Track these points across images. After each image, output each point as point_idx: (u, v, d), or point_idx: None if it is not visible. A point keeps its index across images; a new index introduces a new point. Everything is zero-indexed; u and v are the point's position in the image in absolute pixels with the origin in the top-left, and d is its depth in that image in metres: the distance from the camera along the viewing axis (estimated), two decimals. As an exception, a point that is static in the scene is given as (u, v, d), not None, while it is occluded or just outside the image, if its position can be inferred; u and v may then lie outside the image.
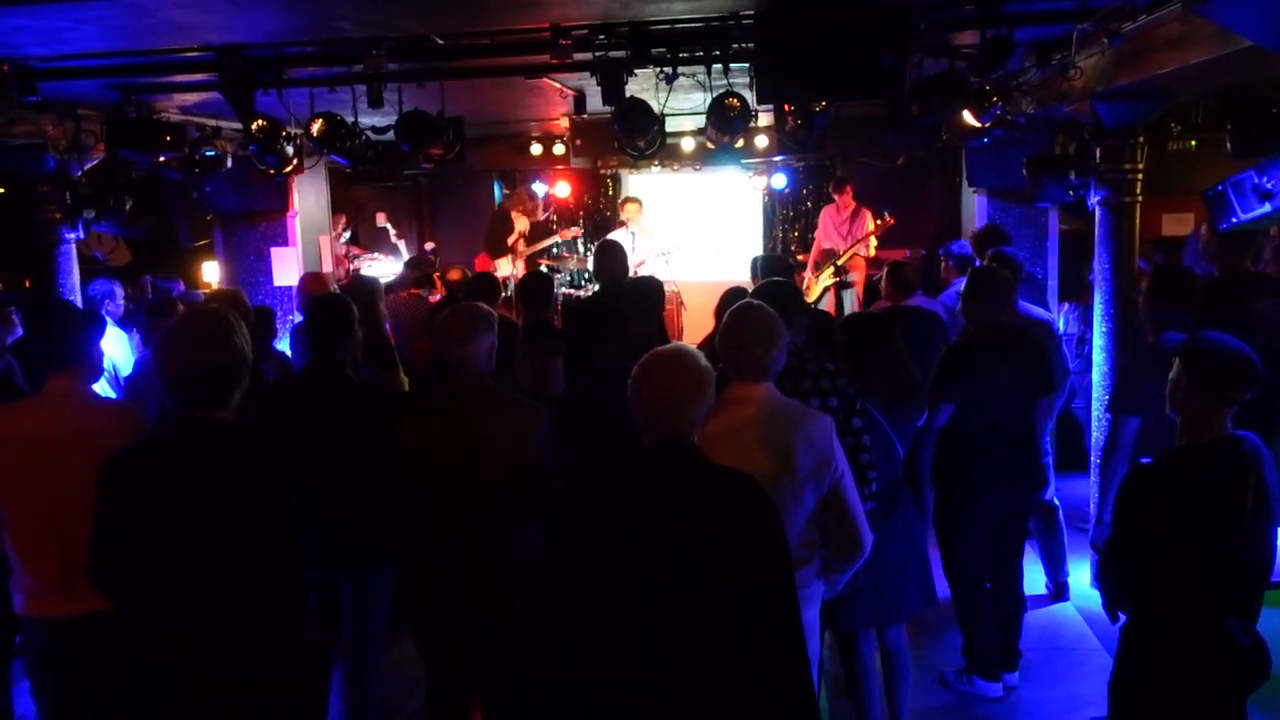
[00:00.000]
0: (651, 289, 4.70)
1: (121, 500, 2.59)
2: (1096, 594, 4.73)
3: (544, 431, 3.27)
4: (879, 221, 9.00)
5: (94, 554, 2.66)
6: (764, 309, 3.10)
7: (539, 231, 10.44)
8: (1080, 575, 5.65)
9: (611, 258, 5.86)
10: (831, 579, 3.21)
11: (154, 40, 4.72)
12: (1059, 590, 5.54)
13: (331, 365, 3.83)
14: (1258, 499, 2.88)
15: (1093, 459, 5.73)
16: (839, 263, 9.10)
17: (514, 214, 10.06)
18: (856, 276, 9.22)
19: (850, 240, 9.18)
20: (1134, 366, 4.25)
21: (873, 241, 9.07)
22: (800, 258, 9.92)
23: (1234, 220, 4.97)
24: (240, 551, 2.61)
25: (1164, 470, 3.00)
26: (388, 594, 3.99)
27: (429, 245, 10.91)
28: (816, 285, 9.23)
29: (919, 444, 4.42)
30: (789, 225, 11.16)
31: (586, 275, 10.49)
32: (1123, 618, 3.13)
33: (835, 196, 9.43)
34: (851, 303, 9.22)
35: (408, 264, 8.05)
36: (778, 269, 5.65)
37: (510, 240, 9.90)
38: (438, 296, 7.15)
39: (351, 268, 9.44)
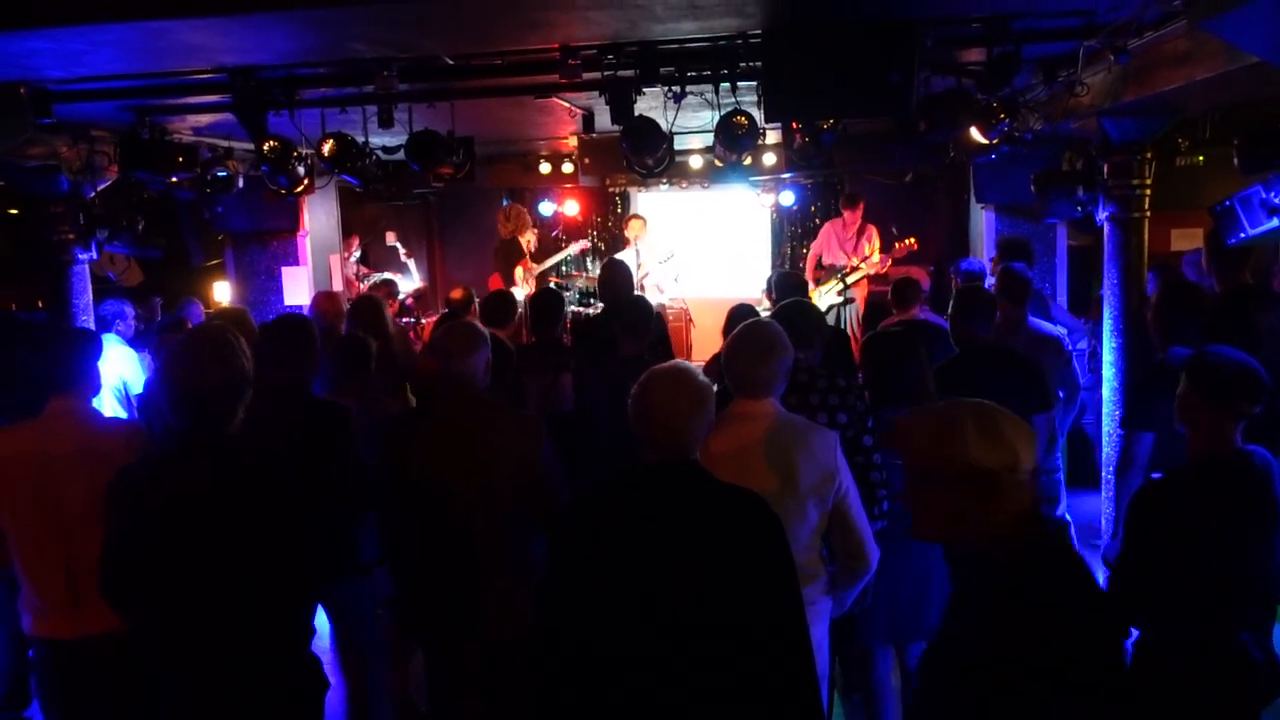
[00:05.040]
0: (640, 309, 4.75)
1: (133, 515, 2.61)
2: (1108, 610, 4.69)
3: (546, 443, 3.29)
4: (900, 243, 8.70)
5: (106, 568, 2.68)
6: (767, 326, 3.12)
7: (547, 246, 10.45)
8: (1091, 591, 5.60)
9: (615, 277, 5.88)
10: (839, 595, 3.21)
11: (170, 62, 4.77)
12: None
13: (297, 383, 3.79)
14: (1268, 513, 2.87)
15: (1104, 474, 5.71)
16: (849, 281, 8.96)
17: (518, 238, 10.08)
18: (858, 294, 9.12)
19: (855, 256, 9.08)
20: (1145, 382, 4.24)
21: (879, 259, 8.92)
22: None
23: (1242, 235, 4.97)
24: (252, 565, 2.62)
25: (1174, 485, 2.99)
26: (371, 609, 3.99)
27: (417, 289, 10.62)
28: (818, 300, 8.94)
29: None
30: (797, 242, 11.13)
31: (594, 293, 10.50)
32: (1134, 633, 3.11)
33: (845, 211, 9.21)
34: (850, 318, 9.11)
35: (371, 288, 8.16)
36: (792, 285, 5.67)
37: (521, 263, 9.92)
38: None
39: (362, 288, 9.47)
